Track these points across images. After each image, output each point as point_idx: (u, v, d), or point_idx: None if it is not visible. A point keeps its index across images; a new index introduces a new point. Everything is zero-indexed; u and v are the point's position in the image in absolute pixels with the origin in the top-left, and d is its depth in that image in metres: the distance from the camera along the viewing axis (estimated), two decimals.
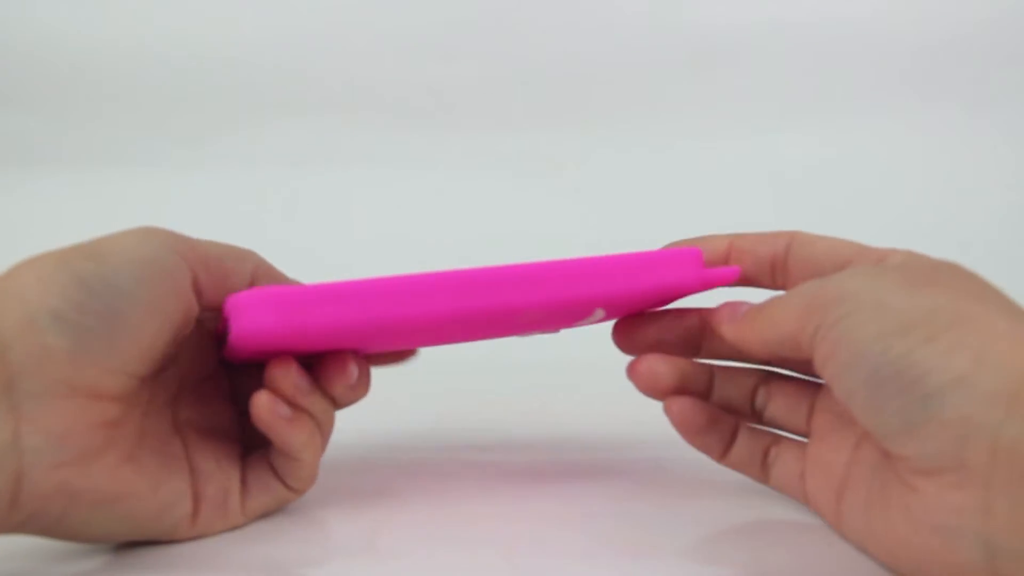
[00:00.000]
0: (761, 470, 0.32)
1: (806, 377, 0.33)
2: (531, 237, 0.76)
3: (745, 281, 0.33)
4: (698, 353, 0.34)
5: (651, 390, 0.33)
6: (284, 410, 0.29)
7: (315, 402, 0.30)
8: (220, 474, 0.30)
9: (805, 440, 0.32)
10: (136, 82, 0.84)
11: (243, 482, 0.31)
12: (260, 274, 0.31)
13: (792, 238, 0.32)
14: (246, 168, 0.84)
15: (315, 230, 0.80)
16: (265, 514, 0.32)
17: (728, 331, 0.30)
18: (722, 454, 0.33)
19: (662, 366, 0.33)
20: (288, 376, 0.30)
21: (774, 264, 0.32)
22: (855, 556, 0.28)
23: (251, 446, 0.32)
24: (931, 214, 0.75)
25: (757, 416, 0.33)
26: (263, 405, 0.29)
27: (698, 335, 0.34)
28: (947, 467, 0.23)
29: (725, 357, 0.34)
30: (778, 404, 0.33)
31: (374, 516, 0.32)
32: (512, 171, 0.83)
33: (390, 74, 0.83)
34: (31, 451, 0.24)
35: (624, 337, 0.34)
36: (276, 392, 0.30)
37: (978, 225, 0.74)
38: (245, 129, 0.84)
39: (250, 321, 0.28)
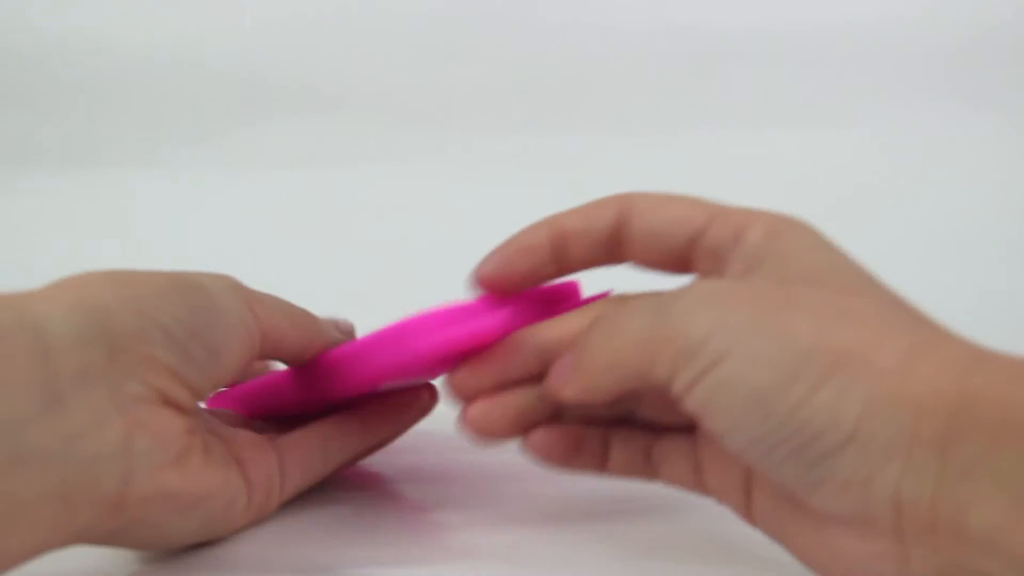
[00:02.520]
0: (646, 471, 0.29)
1: None
2: None
3: (588, 266, 0.28)
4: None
5: (491, 437, 0.28)
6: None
7: None
8: (261, 459, 0.30)
9: (687, 432, 0.28)
10: (136, 82, 0.84)
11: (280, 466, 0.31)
12: (312, 348, 0.31)
13: (626, 205, 0.27)
14: (246, 168, 0.84)
15: (315, 230, 0.80)
16: (298, 494, 0.32)
17: (570, 393, 0.26)
18: (601, 467, 0.29)
19: (495, 410, 0.28)
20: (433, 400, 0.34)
21: (611, 239, 0.28)
22: None
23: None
24: (931, 214, 0.75)
25: (626, 422, 0.29)
26: (430, 404, 0.34)
27: (545, 363, 0.28)
28: (855, 520, 0.21)
29: None
30: (647, 408, 0.29)
31: (373, 517, 0.32)
32: (513, 172, 0.83)
33: (390, 74, 0.83)
34: (140, 453, 0.24)
35: (458, 391, 0.29)
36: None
37: (978, 225, 0.74)
38: (245, 129, 0.84)
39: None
